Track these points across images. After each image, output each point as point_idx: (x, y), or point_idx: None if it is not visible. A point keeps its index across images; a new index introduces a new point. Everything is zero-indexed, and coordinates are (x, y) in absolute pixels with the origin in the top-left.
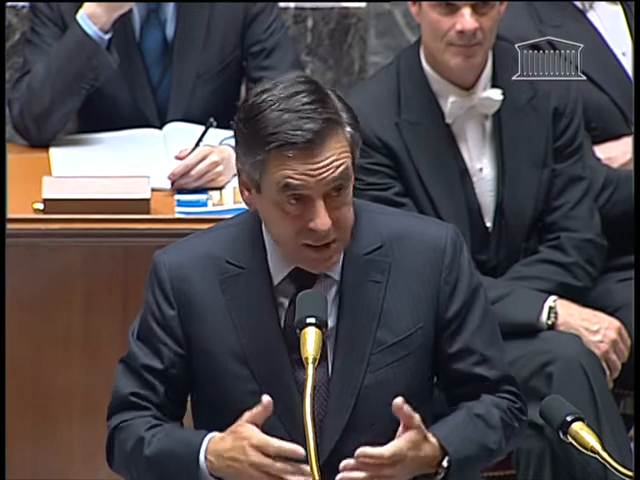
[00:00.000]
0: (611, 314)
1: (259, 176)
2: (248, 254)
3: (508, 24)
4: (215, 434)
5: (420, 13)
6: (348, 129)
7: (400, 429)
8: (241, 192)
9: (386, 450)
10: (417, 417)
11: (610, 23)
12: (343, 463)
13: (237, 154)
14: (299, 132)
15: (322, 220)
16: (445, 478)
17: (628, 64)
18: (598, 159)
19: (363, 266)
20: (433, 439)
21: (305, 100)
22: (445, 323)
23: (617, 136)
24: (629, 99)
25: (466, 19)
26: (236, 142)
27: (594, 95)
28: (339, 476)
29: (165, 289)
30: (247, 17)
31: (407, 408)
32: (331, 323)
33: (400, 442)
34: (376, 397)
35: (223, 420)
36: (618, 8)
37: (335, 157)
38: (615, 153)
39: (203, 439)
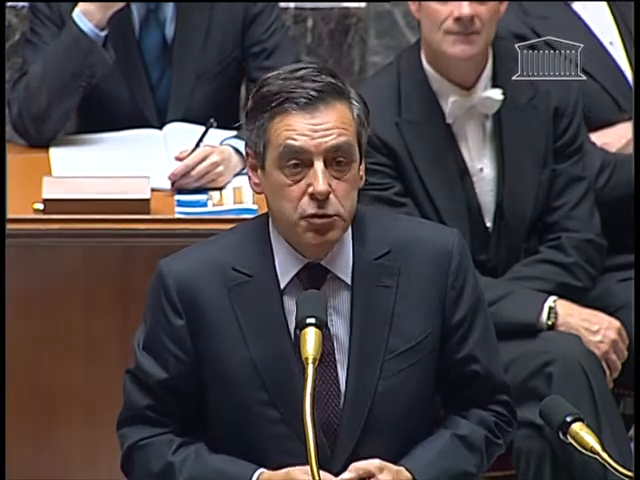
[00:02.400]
0: (611, 314)
1: (262, 146)
2: (256, 260)
3: None
4: (263, 470)
5: (420, 9)
6: (356, 105)
7: None
8: (249, 180)
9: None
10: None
11: (595, 13)
12: None
13: (246, 135)
14: (301, 90)
15: (320, 182)
16: None
17: (616, 53)
18: (593, 144)
19: (373, 271)
20: (407, 474)
21: (310, 70)
22: (451, 329)
23: (610, 123)
24: (619, 87)
25: (463, 6)
26: (245, 122)
27: (585, 83)
28: None
29: (172, 298)
30: (247, 17)
31: None
32: (343, 328)
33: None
34: (389, 403)
35: (233, 430)
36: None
37: (338, 124)
38: (611, 139)
39: (252, 475)
